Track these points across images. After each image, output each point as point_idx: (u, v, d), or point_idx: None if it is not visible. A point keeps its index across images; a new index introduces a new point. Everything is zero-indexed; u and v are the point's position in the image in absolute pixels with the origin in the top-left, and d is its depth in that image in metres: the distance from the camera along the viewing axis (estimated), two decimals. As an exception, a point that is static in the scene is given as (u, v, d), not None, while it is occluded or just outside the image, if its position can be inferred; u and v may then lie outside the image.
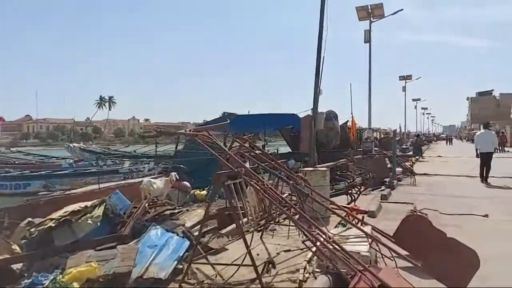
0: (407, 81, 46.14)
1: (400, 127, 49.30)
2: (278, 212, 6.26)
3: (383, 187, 10.65)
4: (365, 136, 18.88)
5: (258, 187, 3.65)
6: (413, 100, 61.92)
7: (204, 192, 9.85)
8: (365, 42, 21.61)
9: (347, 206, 7.49)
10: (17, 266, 4.54)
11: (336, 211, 5.40)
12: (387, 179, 11.28)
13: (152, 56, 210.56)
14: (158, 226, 4.53)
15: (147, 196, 7.92)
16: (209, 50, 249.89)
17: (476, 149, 12.46)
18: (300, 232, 5.19)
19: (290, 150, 16.19)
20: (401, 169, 13.53)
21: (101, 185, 8.01)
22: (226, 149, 4.15)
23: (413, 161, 16.77)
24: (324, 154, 12.48)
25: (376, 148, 19.54)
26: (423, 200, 8.96)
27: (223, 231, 5.41)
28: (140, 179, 8.44)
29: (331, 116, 13.85)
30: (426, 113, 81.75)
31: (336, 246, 3.48)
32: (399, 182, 11.79)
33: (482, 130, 13.68)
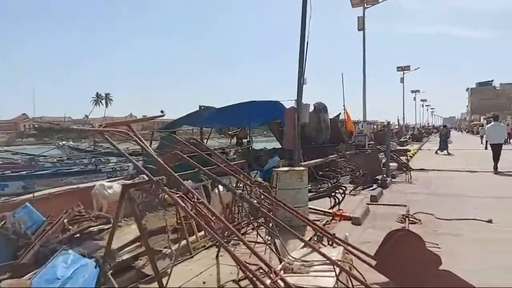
0: (405, 72, 44.74)
1: (398, 120, 48.38)
2: (243, 222, 5.32)
3: (375, 186, 9.65)
4: (358, 129, 17.79)
5: (180, 202, 2.65)
6: (412, 91, 60.37)
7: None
8: (359, 30, 20.42)
9: (328, 211, 6.50)
10: None
11: (301, 224, 4.41)
12: (379, 177, 10.25)
13: (151, 52, 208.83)
14: (69, 251, 3.52)
15: (101, 203, 6.95)
16: (211, 45, 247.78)
17: (486, 141, 12.70)
18: (266, 250, 4.24)
19: (280, 146, 15.16)
20: (396, 165, 12.50)
21: (49, 191, 6.99)
22: (150, 150, 3.15)
23: (411, 153, 15.60)
24: (311, 149, 11.42)
25: (371, 142, 18.53)
26: (418, 201, 7.95)
27: (168, 250, 4.41)
28: (93, 183, 7.41)
29: (320, 108, 12.76)
30: (426, 105, 79.87)
31: (283, 283, 2.48)
32: (393, 180, 10.76)
33: (492, 123, 13.95)
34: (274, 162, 10.44)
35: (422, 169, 13.09)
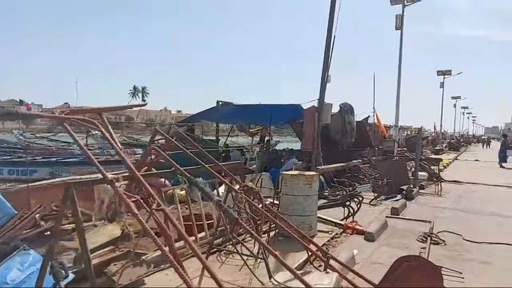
0: (445, 76, 41.98)
1: (435, 126, 45.85)
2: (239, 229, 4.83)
3: (399, 196, 8.84)
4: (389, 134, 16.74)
5: (134, 209, 2.20)
6: (453, 98, 56.97)
7: (183, 192, 8.48)
8: (396, 29, 19.29)
9: (339, 222, 5.86)
10: None
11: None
12: (405, 187, 9.41)
13: (188, 48, 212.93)
14: (30, 251, 3.17)
15: (102, 197, 6.70)
16: (242, 39, 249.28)
17: None
18: (259, 260, 3.73)
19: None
20: (427, 174, 11.52)
21: (46, 181, 6.78)
22: (117, 144, 2.73)
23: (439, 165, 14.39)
24: (334, 153, 10.72)
25: (403, 149, 17.40)
26: (446, 218, 7.12)
27: (149, 256, 4.00)
28: (95, 176, 7.16)
29: (346, 109, 11.99)
30: (467, 113, 75.12)
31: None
32: (420, 191, 9.86)
33: None
34: (290, 165, 9.84)
35: (455, 181, 12.02)
